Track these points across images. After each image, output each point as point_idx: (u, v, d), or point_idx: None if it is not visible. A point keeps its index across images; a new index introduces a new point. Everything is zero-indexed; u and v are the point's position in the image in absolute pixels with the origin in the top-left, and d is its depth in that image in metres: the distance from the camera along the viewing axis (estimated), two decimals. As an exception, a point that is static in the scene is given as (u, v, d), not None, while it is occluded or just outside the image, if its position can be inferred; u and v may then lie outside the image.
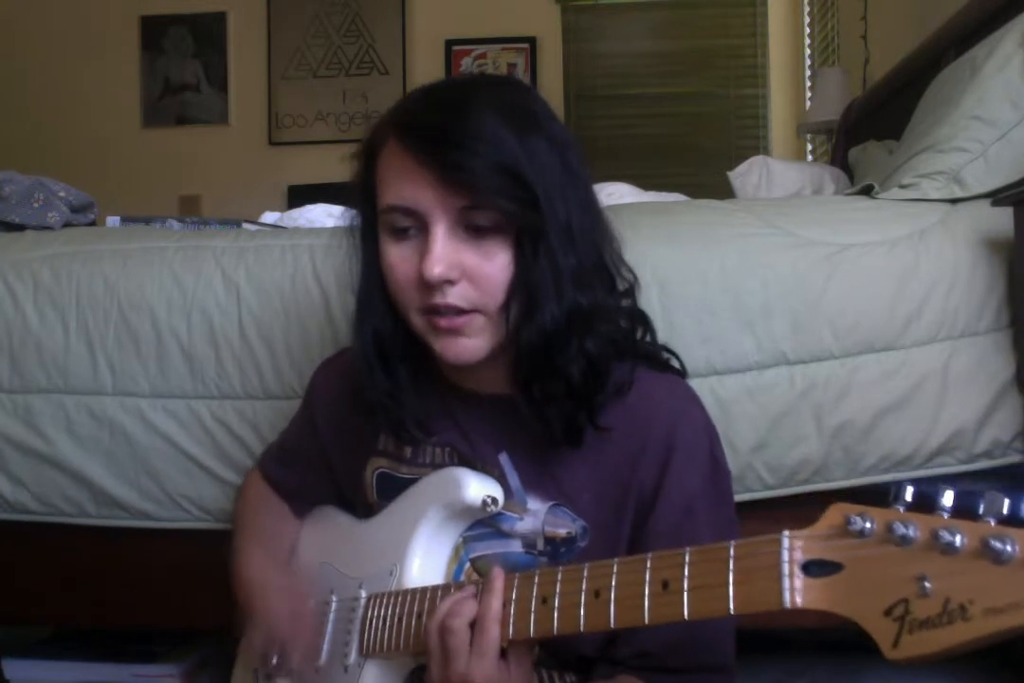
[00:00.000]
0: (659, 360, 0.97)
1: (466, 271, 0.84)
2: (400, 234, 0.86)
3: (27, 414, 1.33)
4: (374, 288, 0.91)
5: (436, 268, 0.82)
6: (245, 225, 1.69)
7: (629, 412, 0.89)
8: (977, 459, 1.25)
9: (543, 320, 0.84)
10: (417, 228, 0.85)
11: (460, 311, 0.85)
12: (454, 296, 0.84)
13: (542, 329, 0.84)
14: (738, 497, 1.23)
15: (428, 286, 0.84)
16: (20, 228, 1.50)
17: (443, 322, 0.85)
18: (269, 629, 0.96)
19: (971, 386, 1.24)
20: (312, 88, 4.59)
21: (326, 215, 1.80)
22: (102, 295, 1.33)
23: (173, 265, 1.35)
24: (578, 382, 0.86)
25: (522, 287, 0.84)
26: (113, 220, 1.67)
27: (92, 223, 1.63)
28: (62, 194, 1.55)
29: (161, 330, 1.32)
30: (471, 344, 0.87)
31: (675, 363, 0.99)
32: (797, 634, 1.33)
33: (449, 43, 4.52)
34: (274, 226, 1.79)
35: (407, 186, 0.84)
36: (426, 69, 4.48)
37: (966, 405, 1.23)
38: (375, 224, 0.89)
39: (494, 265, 0.84)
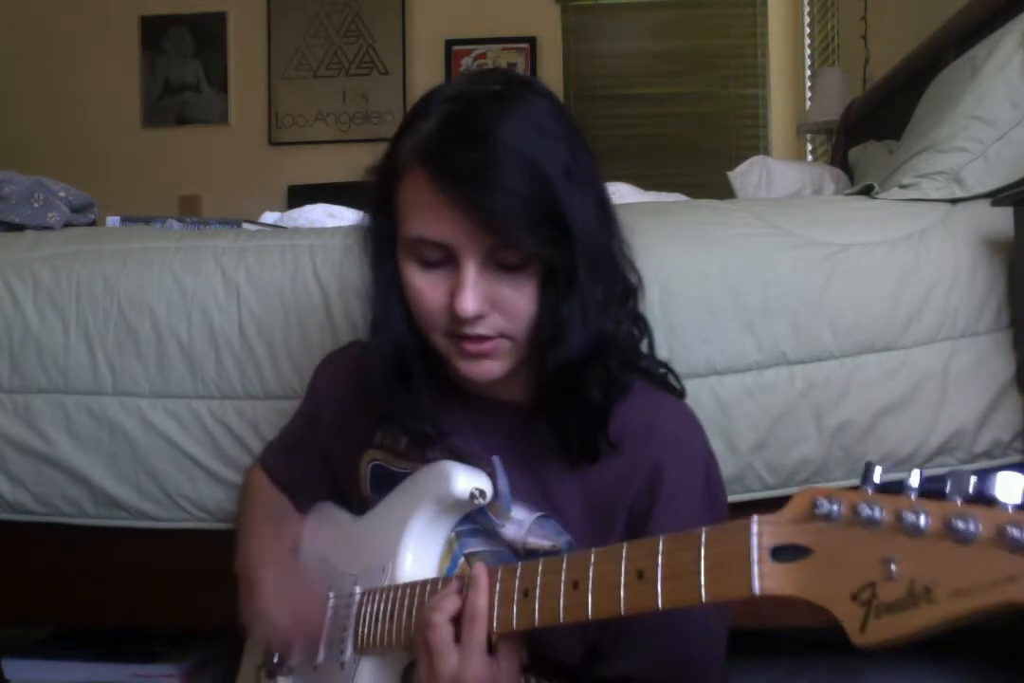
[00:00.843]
0: (655, 375, 0.96)
1: (496, 303, 0.83)
2: (427, 264, 0.84)
3: (27, 414, 1.33)
4: (392, 304, 0.89)
5: (470, 306, 0.81)
6: (245, 225, 1.69)
7: (627, 431, 0.89)
8: (977, 459, 1.25)
9: (570, 350, 0.84)
10: (445, 257, 0.83)
11: (487, 337, 0.84)
12: (483, 327, 0.84)
13: (568, 358, 0.84)
14: (738, 497, 1.23)
15: (459, 319, 0.83)
16: (20, 228, 1.50)
17: (470, 347, 0.85)
18: (272, 621, 0.96)
19: (971, 386, 1.24)
20: (312, 88, 4.59)
21: (326, 215, 1.80)
22: (102, 295, 1.33)
23: (173, 265, 1.35)
24: (598, 404, 0.87)
25: (550, 317, 0.84)
26: (113, 220, 1.67)
27: (92, 223, 1.63)
28: (62, 194, 1.55)
29: (161, 330, 1.32)
30: (496, 366, 0.87)
31: (672, 380, 0.98)
32: (797, 634, 1.33)
33: (449, 43, 4.52)
34: (274, 226, 1.79)
35: (437, 222, 0.81)
36: (426, 69, 4.48)
37: (966, 405, 1.23)
38: (392, 240, 0.87)
39: (524, 297, 0.84)
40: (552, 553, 0.89)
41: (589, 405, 0.87)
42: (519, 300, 0.83)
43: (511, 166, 0.79)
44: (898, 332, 1.24)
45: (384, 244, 0.89)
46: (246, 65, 4.61)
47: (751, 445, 1.23)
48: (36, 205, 1.51)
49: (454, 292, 0.82)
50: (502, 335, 0.85)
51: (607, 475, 0.89)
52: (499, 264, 0.83)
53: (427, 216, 0.82)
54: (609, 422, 0.88)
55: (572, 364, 0.84)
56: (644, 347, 0.98)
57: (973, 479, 0.51)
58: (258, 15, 4.59)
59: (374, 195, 0.89)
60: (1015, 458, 1.25)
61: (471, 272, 0.82)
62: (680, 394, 0.98)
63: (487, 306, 0.83)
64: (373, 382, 0.92)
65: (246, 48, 4.61)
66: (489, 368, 0.87)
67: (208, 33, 4.63)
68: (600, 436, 0.88)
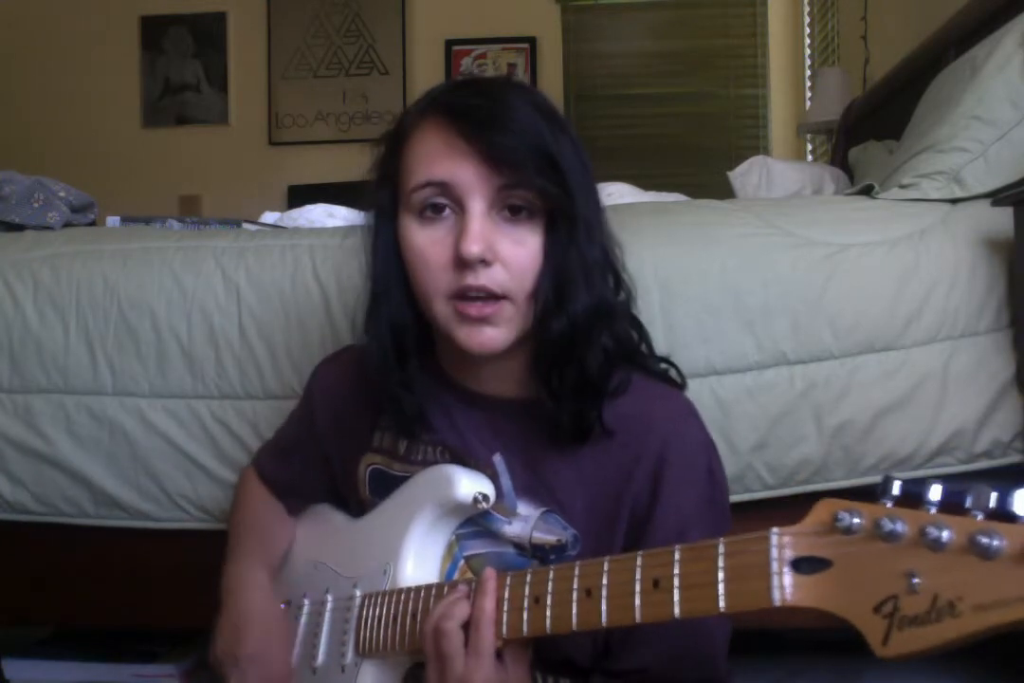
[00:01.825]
0: (654, 370, 0.96)
1: (499, 255, 0.84)
2: (430, 217, 0.86)
3: (27, 414, 1.33)
4: (393, 277, 0.90)
5: (474, 246, 0.82)
6: (245, 225, 1.69)
7: (626, 422, 0.89)
8: (977, 459, 1.25)
9: (575, 310, 0.85)
10: (451, 208, 0.85)
11: (491, 296, 0.84)
12: (487, 278, 0.84)
13: (574, 319, 0.85)
14: (738, 497, 1.23)
15: (463, 266, 0.83)
16: (20, 228, 1.50)
17: (473, 310, 0.84)
18: (245, 661, 0.97)
19: (971, 386, 1.24)
20: (312, 88, 4.59)
21: (326, 215, 1.80)
22: (102, 295, 1.33)
23: (173, 265, 1.35)
24: (594, 376, 0.87)
25: (553, 275, 0.85)
26: (113, 220, 1.67)
27: (92, 223, 1.63)
28: (62, 194, 1.55)
29: (161, 330, 1.32)
30: (497, 334, 0.86)
31: (674, 374, 0.98)
32: (797, 634, 1.33)
33: (449, 43, 4.52)
34: (274, 226, 1.79)
35: (447, 162, 0.84)
36: (426, 69, 4.48)
37: (966, 405, 1.23)
38: (395, 212, 0.89)
39: (526, 251, 0.85)
40: (558, 548, 0.90)
41: (586, 378, 0.87)
42: (521, 253, 0.85)
43: (516, 115, 0.84)
44: (898, 332, 1.24)
45: (385, 217, 0.90)
46: (246, 65, 4.61)
47: (751, 445, 1.23)
48: (36, 205, 1.51)
49: (458, 240, 0.83)
50: (504, 296, 0.85)
51: (607, 468, 0.89)
52: (503, 216, 0.85)
53: (438, 159, 0.85)
54: (604, 405, 0.88)
55: (577, 326, 0.85)
56: (643, 349, 0.98)
57: (994, 494, 0.52)
58: (258, 15, 4.59)
59: (377, 169, 0.92)
60: (1015, 458, 1.25)
61: (476, 214, 0.83)
62: (680, 387, 0.98)
63: (491, 253, 0.83)
64: (368, 359, 0.92)
65: (246, 48, 4.61)
66: (490, 335, 0.86)
67: (208, 33, 4.63)
68: (592, 419, 0.87)
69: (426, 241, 0.86)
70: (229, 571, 1.04)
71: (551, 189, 0.83)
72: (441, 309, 0.86)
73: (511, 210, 0.85)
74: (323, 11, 4.59)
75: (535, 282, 0.85)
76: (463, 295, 0.84)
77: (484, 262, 0.83)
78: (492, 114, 0.84)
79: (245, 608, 1.00)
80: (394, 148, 0.90)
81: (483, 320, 0.85)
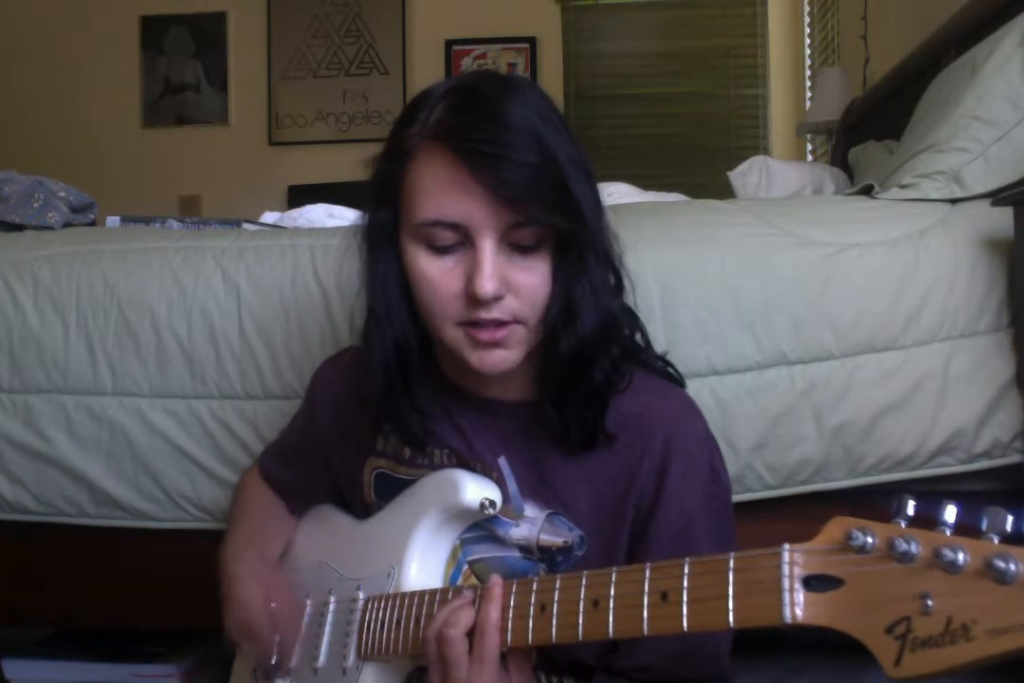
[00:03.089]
0: (654, 366, 0.96)
1: (511, 286, 0.83)
2: (439, 249, 0.84)
3: (27, 414, 1.33)
4: (395, 298, 0.88)
5: (489, 286, 0.81)
6: (245, 225, 1.69)
7: (628, 421, 0.89)
8: (977, 459, 1.25)
9: (584, 329, 0.84)
10: (459, 241, 0.83)
11: (502, 323, 0.84)
12: (499, 310, 0.83)
13: (584, 338, 0.85)
14: (738, 497, 1.23)
15: (476, 302, 0.82)
16: (20, 228, 1.50)
17: (485, 335, 0.84)
18: (244, 621, 0.96)
19: (971, 386, 1.24)
20: (312, 88, 4.59)
21: (326, 215, 1.80)
22: (102, 295, 1.33)
23: (173, 265, 1.35)
24: (600, 389, 0.87)
25: (563, 298, 0.84)
26: (113, 220, 1.67)
27: (92, 223, 1.63)
28: (62, 194, 1.55)
29: (161, 330, 1.32)
30: (509, 355, 0.86)
31: (672, 371, 0.98)
32: (797, 634, 1.32)
33: (449, 43, 4.52)
34: (274, 226, 1.79)
35: (455, 201, 0.81)
36: (426, 69, 4.48)
37: (966, 405, 1.23)
38: (393, 232, 0.87)
39: (537, 278, 0.84)
40: (565, 549, 0.90)
41: (592, 389, 0.87)
42: (533, 281, 0.84)
43: (523, 141, 0.80)
44: (898, 332, 1.24)
45: (384, 238, 0.88)
46: (246, 65, 4.61)
47: (751, 445, 1.23)
48: (36, 205, 1.51)
49: (470, 275, 0.82)
50: (516, 320, 0.84)
51: (612, 467, 0.89)
52: (513, 246, 0.83)
53: (444, 196, 0.82)
54: (608, 410, 0.88)
55: (586, 343, 0.85)
56: (639, 341, 0.98)
57: (1010, 518, 0.51)
58: (258, 15, 4.59)
59: (375, 187, 0.88)
60: (1015, 458, 1.25)
61: (488, 252, 0.82)
62: (679, 383, 0.98)
63: (503, 288, 0.82)
64: (373, 380, 0.91)
65: (246, 48, 4.61)
66: (502, 357, 0.85)
67: (208, 33, 4.63)
68: (599, 422, 0.87)
69: (436, 271, 0.84)
70: (228, 567, 1.03)
71: (562, 223, 0.82)
72: (450, 333, 0.86)
73: (520, 243, 0.83)
74: (323, 11, 4.59)
75: (546, 306, 0.85)
76: (473, 323, 0.84)
77: (498, 298, 0.82)
78: (503, 146, 0.80)
79: (228, 594, 1.00)
80: (395, 170, 0.86)
81: (495, 344, 0.85)
